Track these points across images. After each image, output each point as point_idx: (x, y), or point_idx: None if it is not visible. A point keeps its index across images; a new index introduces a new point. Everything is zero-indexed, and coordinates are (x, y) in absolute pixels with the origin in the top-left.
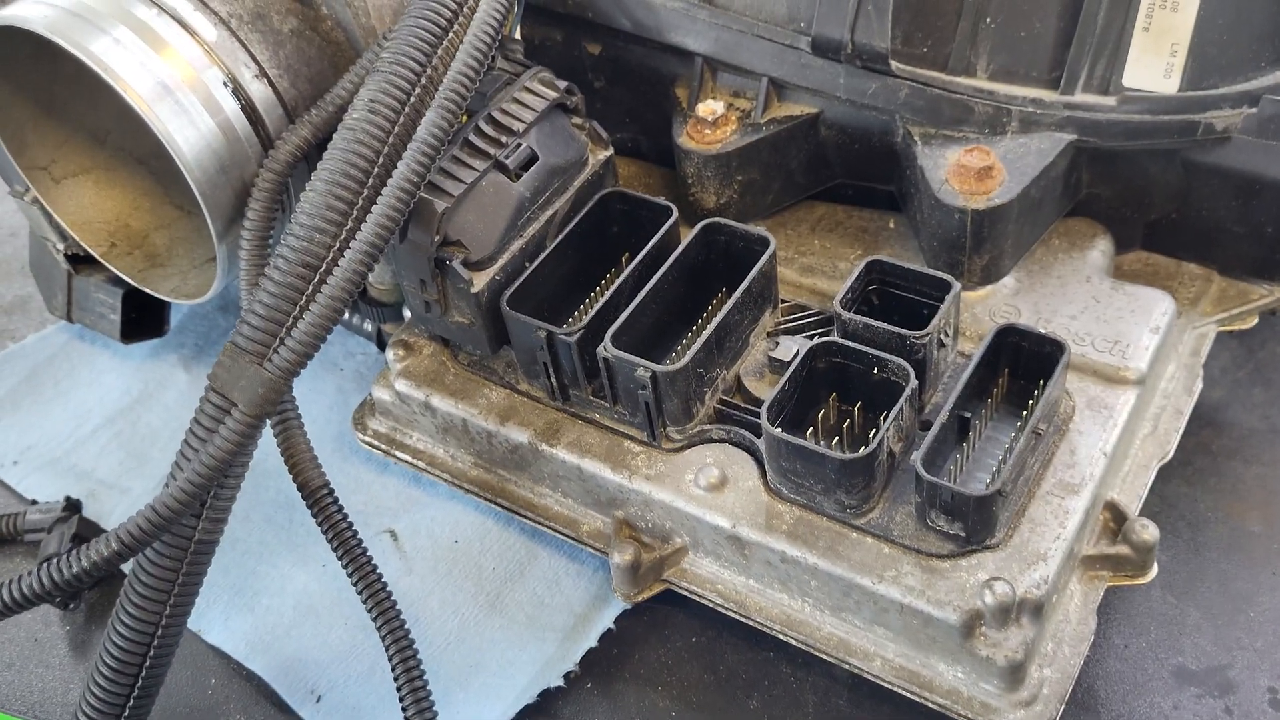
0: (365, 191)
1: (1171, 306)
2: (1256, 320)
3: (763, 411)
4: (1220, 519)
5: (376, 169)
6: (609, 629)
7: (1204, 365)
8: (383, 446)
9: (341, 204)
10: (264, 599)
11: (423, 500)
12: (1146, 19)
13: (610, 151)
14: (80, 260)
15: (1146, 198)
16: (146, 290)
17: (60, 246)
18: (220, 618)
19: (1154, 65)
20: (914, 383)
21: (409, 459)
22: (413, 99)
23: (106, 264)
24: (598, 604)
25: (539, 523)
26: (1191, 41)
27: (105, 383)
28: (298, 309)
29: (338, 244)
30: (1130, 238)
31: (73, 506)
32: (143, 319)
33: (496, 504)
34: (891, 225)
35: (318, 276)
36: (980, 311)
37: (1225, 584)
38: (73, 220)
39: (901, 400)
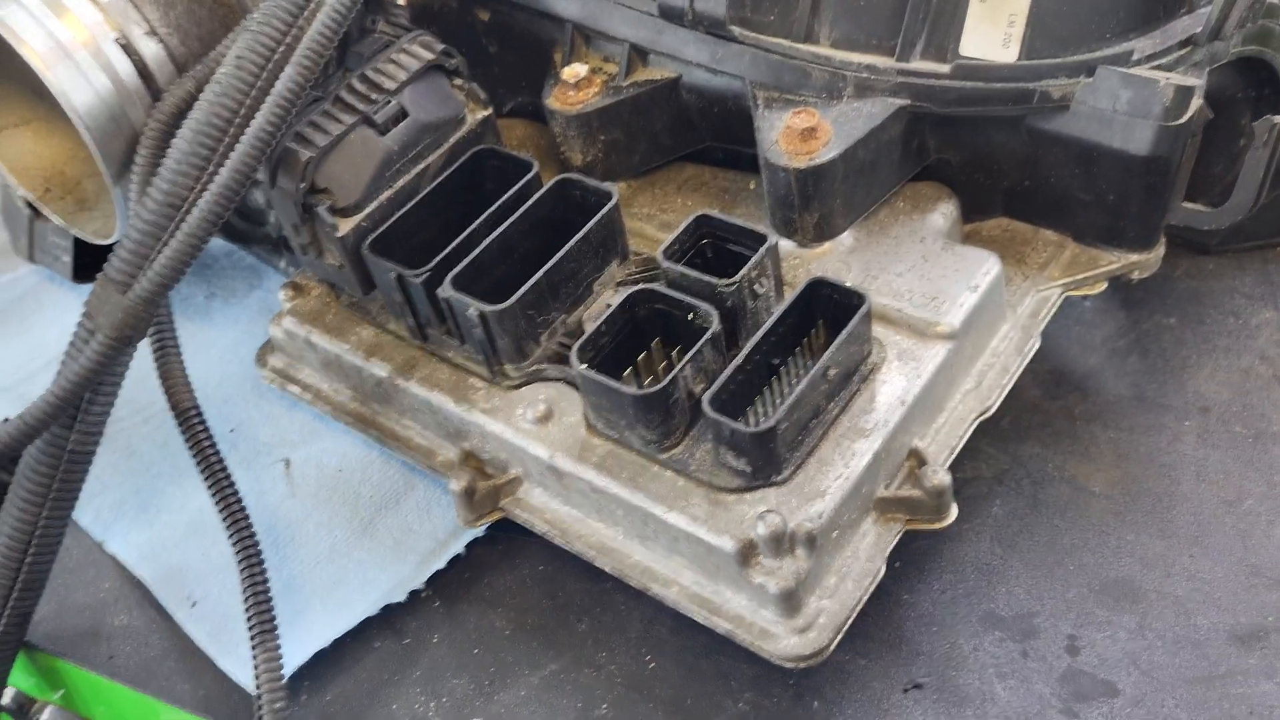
0: (226, 140)
1: (995, 266)
2: (1105, 285)
3: (573, 350)
4: (1065, 479)
5: (239, 120)
6: (459, 554)
7: (1084, 334)
8: (279, 380)
9: (204, 149)
10: (163, 515)
11: (320, 433)
12: None
13: (489, 111)
14: (38, 206)
15: (994, 164)
16: (73, 231)
17: (20, 192)
18: (123, 530)
19: (991, 35)
20: (716, 327)
21: (299, 392)
22: (276, 56)
23: (40, 207)
24: (458, 532)
25: (401, 453)
26: (1030, 12)
27: (64, 321)
28: (160, 244)
29: (199, 187)
30: (989, 204)
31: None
32: (94, 262)
33: (368, 434)
34: (752, 186)
35: (180, 215)
36: (815, 268)
37: (1053, 539)
38: (13, 166)
39: (701, 342)
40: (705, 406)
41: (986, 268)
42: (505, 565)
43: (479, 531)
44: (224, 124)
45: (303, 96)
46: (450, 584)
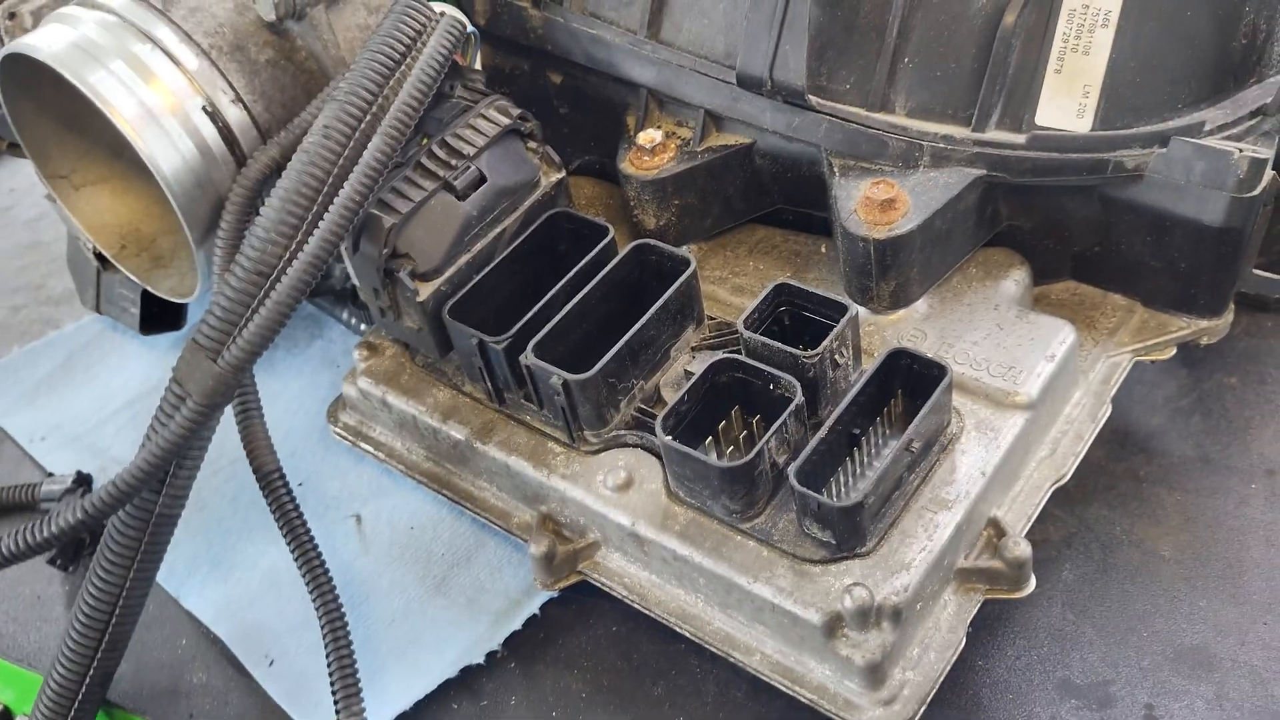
0: (315, 208)
1: (1071, 336)
2: (1175, 351)
3: (658, 420)
4: (1133, 543)
5: (326, 188)
6: (534, 614)
7: (1147, 394)
8: (350, 438)
9: (293, 219)
10: (237, 572)
11: (390, 489)
12: (1059, 61)
13: (563, 174)
14: (107, 258)
15: (1066, 231)
16: (147, 287)
17: (90, 245)
18: (198, 586)
19: (1066, 105)
20: (800, 398)
21: (372, 450)
22: (363, 125)
23: (117, 264)
24: (531, 591)
25: (477, 513)
26: (1104, 83)
27: (129, 370)
28: (250, 311)
29: (289, 255)
30: (1058, 268)
31: (83, 480)
32: (161, 314)
33: (443, 494)
34: (823, 250)
35: (269, 284)
36: (890, 335)
37: (1125, 604)
38: (90, 224)
39: (785, 414)
40: (792, 480)
41: (1062, 337)
42: (579, 626)
43: (554, 592)
44: (312, 193)
45: (389, 165)
46: (525, 644)
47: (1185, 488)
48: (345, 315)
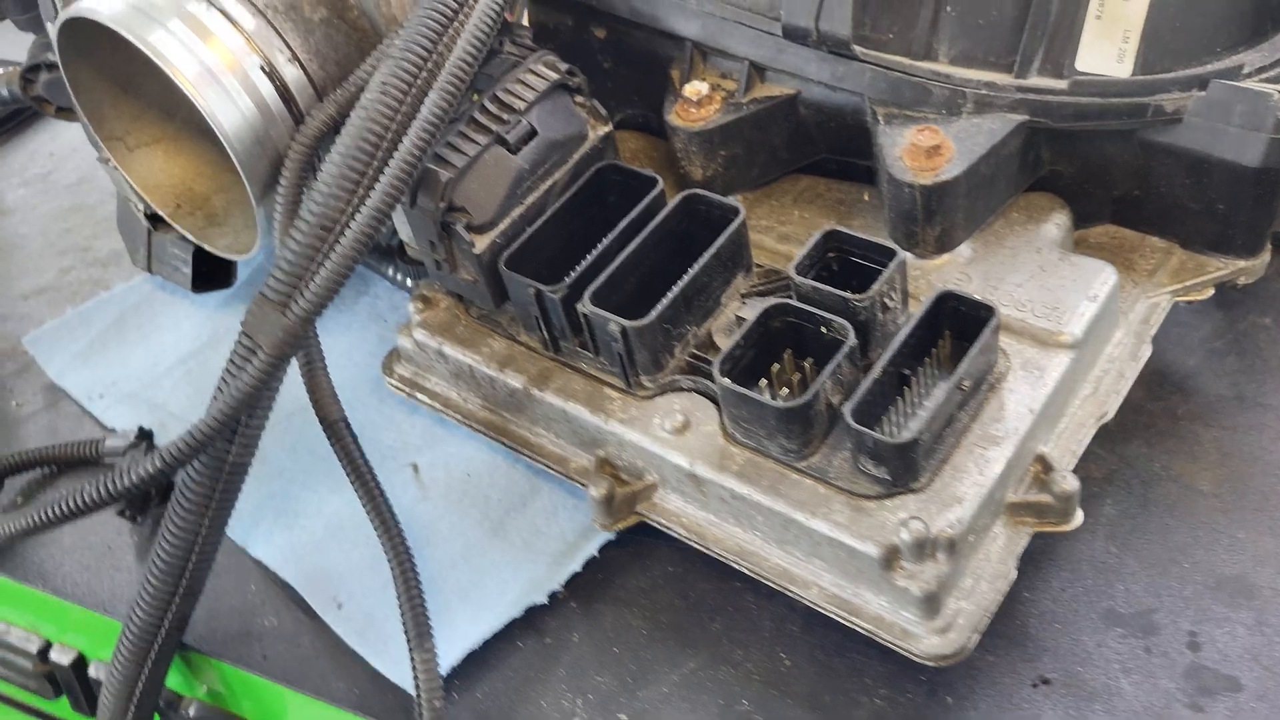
0: (375, 163)
1: (1112, 277)
2: (1212, 292)
3: (715, 363)
4: (1172, 478)
5: (385, 143)
6: (593, 556)
7: (1183, 335)
8: (406, 389)
9: (354, 173)
10: (301, 520)
11: (444, 438)
12: (1099, 7)
13: (609, 127)
14: (158, 218)
15: (1106, 175)
16: (204, 246)
17: (140, 206)
18: (264, 535)
19: (1106, 51)
20: (853, 340)
21: (428, 400)
22: (419, 81)
23: (172, 223)
24: (587, 533)
25: (534, 459)
26: (1144, 28)
27: (181, 328)
28: (315, 265)
29: (350, 209)
30: (1098, 213)
31: (144, 435)
32: (212, 272)
33: (500, 442)
34: (866, 198)
35: (333, 237)
36: (935, 279)
37: (1165, 536)
38: (144, 184)
39: (839, 356)
40: (848, 419)
41: (1104, 277)
42: (636, 566)
43: (611, 535)
44: (371, 148)
45: (446, 120)
46: (584, 585)
47: (1222, 425)
48: (391, 271)
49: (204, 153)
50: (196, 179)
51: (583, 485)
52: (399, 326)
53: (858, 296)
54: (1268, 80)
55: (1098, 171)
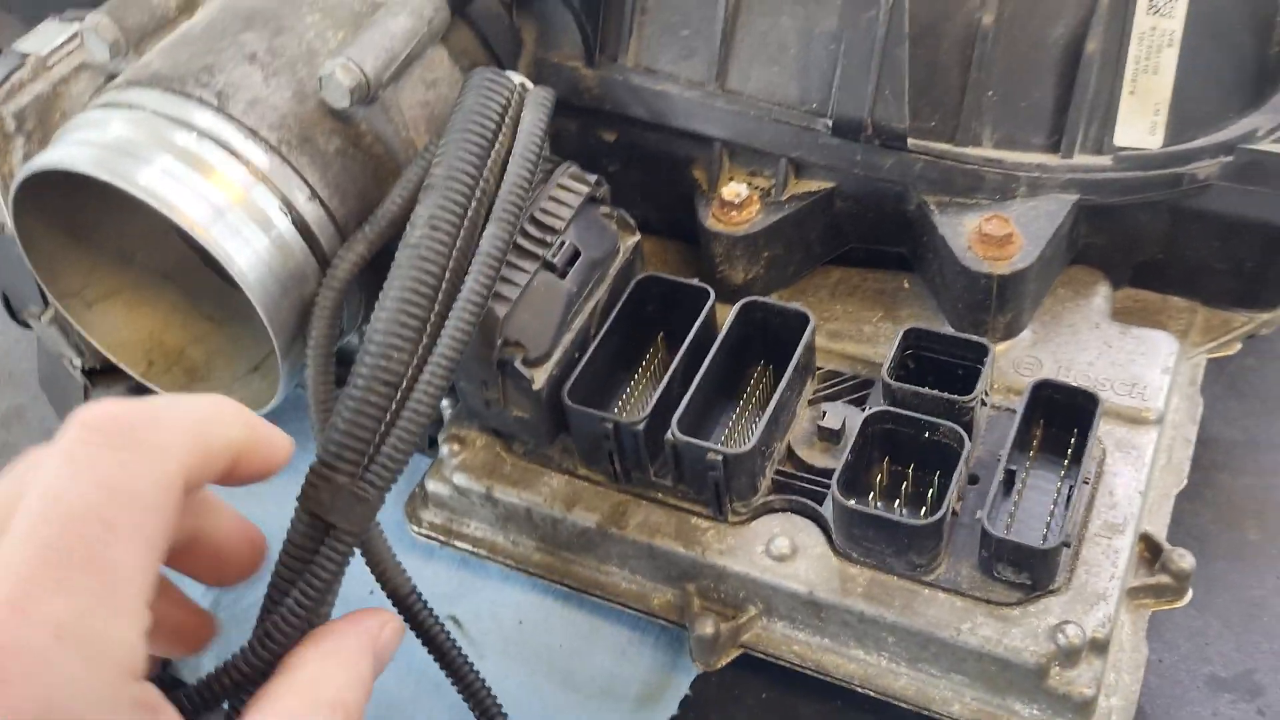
0: (436, 306)
1: (1176, 347)
2: (1240, 346)
3: (833, 483)
4: (1221, 531)
5: (444, 284)
6: (686, 694)
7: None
8: (439, 537)
9: (415, 320)
10: None
11: (476, 584)
12: (1132, 83)
13: (638, 237)
14: (97, 373)
15: (1137, 244)
16: None
17: (77, 363)
18: None
19: (1140, 124)
20: (969, 445)
21: (469, 547)
22: (470, 213)
23: (148, 384)
24: (667, 671)
25: (608, 600)
26: (1172, 100)
27: None
28: (383, 425)
29: (414, 360)
30: (1120, 278)
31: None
32: None
33: (564, 585)
34: (906, 286)
35: (399, 394)
36: (1004, 364)
37: (1238, 593)
38: (108, 343)
39: (960, 463)
40: (988, 527)
41: (1170, 348)
42: (728, 699)
43: (696, 669)
44: (431, 290)
45: (507, 253)
46: None
47: (1247, 470)
48: None
49: (170, 300)
50: (165, 330)
51: (671, 623)
52: (429, 469)
53: (964, 399)
54: (1277, 141)
55: (1129, 241)
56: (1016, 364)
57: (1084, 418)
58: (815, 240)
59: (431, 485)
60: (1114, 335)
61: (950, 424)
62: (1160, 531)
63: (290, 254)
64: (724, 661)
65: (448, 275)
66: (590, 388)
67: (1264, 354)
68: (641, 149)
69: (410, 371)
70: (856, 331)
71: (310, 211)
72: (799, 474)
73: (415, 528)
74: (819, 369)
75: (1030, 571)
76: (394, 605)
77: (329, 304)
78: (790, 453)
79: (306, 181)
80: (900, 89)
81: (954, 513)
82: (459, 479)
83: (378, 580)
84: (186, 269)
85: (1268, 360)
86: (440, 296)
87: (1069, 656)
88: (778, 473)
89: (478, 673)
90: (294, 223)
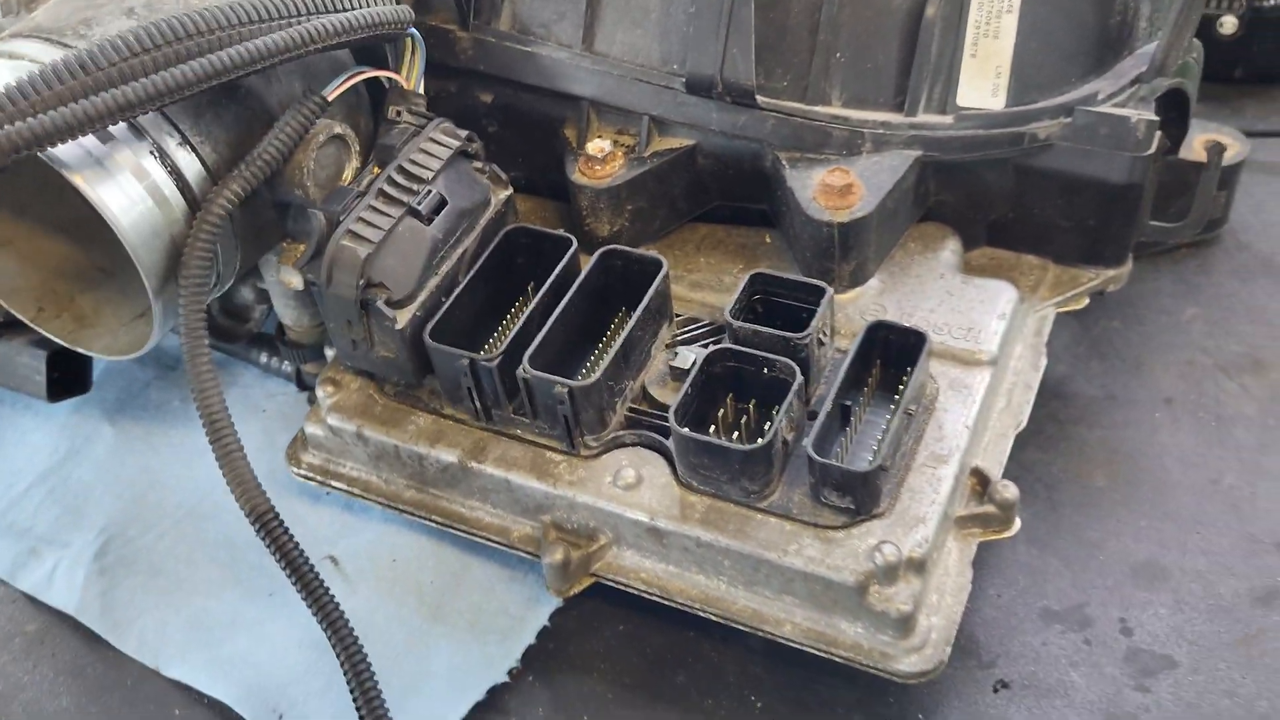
0: None
1: (1015, 295)
2: (1088, 301)
3: (671, 414)
4: (1070, 478)
5: None
6: (545, 626)
7: (1047, 344)
8: (317, 478)
9: None
10: (216, 632)
11: (357, 525)
12: (973, 46)
13: (510, 191)
14: (5, 325)
15: (986, 201)
16: (79, 350)
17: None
18: (178, 653)
19: (982, 86)
20: (800, 379)
21: (344, 487)
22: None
23: (38, 328)
24: (531, 604)
25: (473, 534)
26: (1012, 64)
27: (31, 442)
28: None
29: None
30: (975, 237)
31: None
32: (67, 378)
33: (432, 521)
34: (767, 240)
35: None
36: (851, 311)
37: (1078, 534)
38: (1, 290)
39: (790, 395)
40: (810, 454)
41: (1008, 296)
42: (587, 630)
43: (557, 602)
44: None
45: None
46: (537, 657)
47: (1101, 424)
48: (263, 358)
49: (62, 250)
50: (57, 279)
51: (528, 554)
52: (309, 413)
53: (798, 335)
54: (1118, 104)
55: (977, 198)
56: (863, 311)
57: (915, 356)
58: (680, 196)
59: (309, 428)
60: (956, 285)
61: (785, 359)
62: (994, 468)
63: (163, 199)
64: (577, 589)
65: None
66: (457, 331)
67: (1128, 317)
68: (516, 109)
69: None
70: (717, 282)
71: (182, 158)
72: (650, 411)
73: (295, 468)
74: (678, 315)
75: (854, 495)
76: (251, 523)
77: (202, 239)
78: (645, 393)
79: (178, 128)
80: (747, 47)
81: (786, 442)
82: (332, 419)
83: (237, 499)
84: (78, 221)
85: (1131, 323)
86: None
87: (887, 574)
88: (630, 410)
89: (331, 596)
90: (167, 169)
